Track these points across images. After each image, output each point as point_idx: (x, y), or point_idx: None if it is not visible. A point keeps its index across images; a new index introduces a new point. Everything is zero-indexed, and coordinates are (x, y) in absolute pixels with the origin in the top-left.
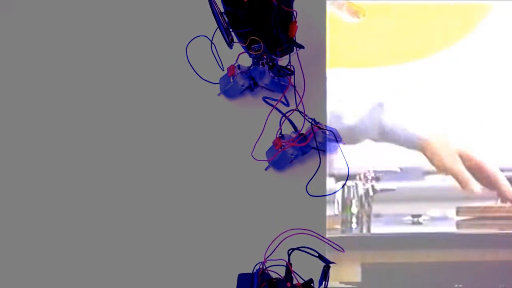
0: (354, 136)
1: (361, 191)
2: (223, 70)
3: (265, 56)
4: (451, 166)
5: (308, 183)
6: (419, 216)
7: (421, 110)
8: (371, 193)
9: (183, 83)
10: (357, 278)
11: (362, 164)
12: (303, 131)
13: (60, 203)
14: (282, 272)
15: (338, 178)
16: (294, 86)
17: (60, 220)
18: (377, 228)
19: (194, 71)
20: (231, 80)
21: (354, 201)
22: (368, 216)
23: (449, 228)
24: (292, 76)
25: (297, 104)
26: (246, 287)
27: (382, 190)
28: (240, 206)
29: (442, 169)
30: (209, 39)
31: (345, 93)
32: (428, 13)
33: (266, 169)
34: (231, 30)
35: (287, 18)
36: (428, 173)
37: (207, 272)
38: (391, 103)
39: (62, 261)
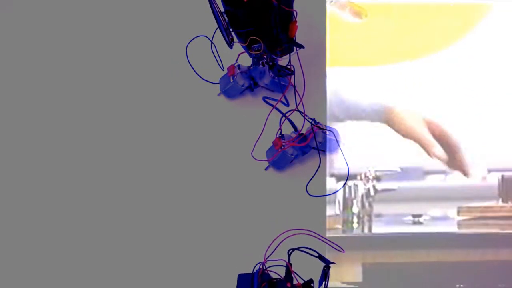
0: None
1: (362, 191)
2: (223, 70)
3: (265, 56)
4: (416, 131)
5: (308, 183)
6: (420, 216)
7: (420, 108)
8: (372, 193)
9: (183, 83)
10: (358, 278)
11: (363, 164)
12: (303, 131)
13: (60, 202)
14: (282, 272)
15: (339, 178)
16: (294, 86)
17: (60, 220)
18: (378, 228)
19: (194, 71)
20: (231, 80)
21: (355, 201)
22: (369, 216)
23: (450, 228)
24: (292, 76)
25: (297, 104)
26: (246, 287)
27: (383, 190)
28: (240, 206)
29: (407, 135)
30: (209, 39)
31: (345, 91)
32: (428, 12)
33: (266, 169)
34: (231, 30)
35: (287, 18)
36: (429, 173)
37: (207, 272)
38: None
39: (62, 261)
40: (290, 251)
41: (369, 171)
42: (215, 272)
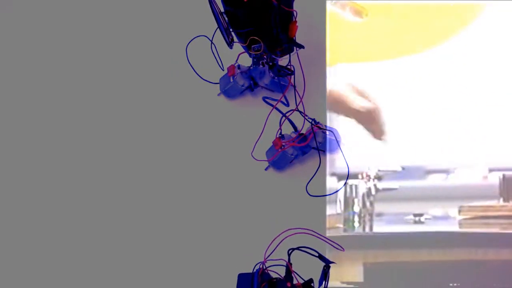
0: None
1: (363, 190)
2: (223, 70)
3: (265, 56)
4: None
5: (308, 183)
6: (421, 215)
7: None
8: (373, 192)
9: (183, 83)
10: (359, 277)
11: (364, 163)
12: (303, 131)
13: (60, 202)
14: (282, 272)
15: (340, 177)
16: (294, 86)
17: (60, 220)
18: (379, 227)
19: (194, 71)
20: (231, 80)
21: (356, 200)
22: (370, 215)
23: (451, 227)
24: (292, 76)
25: (297, 104)
26: (246, 287)
27: (384, 189)
28: (240, 206)
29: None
30: (209, 39)
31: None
32: (425, 12)
33: (266, 169)
34: (231, 30)
35: (287, 18)
36: (430, 172)
37: (207, 272)
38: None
39: (62, 261)
40: (290, 251)
41: (371, 170)
42: (215, 272)
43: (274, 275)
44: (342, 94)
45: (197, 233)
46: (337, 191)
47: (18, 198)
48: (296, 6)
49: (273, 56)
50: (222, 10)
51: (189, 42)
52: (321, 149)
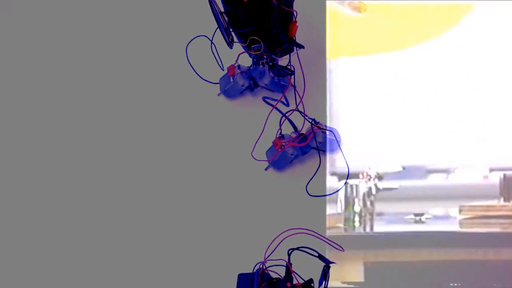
0: None
1: (364, 190)
2: (223, 70)
3: (265, 56)
4: None
5: (308, 183)
6: (422, 214)
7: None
8: (374, 191)
9: (183, 83)
10: (360, 277)
11: (365, 163)
12: (303, 131)
13: (60, 202)
14: (282, 272)
15: (340, 176)
16: (294, 86)
17: (60, 220)
18: (379, 227)
19: (194, 71)
20: (231, 80)
21: (356, 200)
22: (371, 215)
23: (452, 226)
24: (292, 76)
25: (297, 104)
26: (246, 287)
27: (385, 189)
28: (240, 206)
29: None
30: (209, 39)
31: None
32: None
33: (266, 169)
34: (231, 30)
35: (287, 18)
36: (431, 171)
37: (207, 272)
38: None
39: (62, 261)
40: (290, 251)
41: (371, 169)
42: (215, 272)
43: (274, 275)
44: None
45: (197, 233)
46: (337, 191)
47: (18, 198)
48: (296, 6)
49: (273, 56)
50: (222, 10)
51: (189, 42)
52: (321, 149)
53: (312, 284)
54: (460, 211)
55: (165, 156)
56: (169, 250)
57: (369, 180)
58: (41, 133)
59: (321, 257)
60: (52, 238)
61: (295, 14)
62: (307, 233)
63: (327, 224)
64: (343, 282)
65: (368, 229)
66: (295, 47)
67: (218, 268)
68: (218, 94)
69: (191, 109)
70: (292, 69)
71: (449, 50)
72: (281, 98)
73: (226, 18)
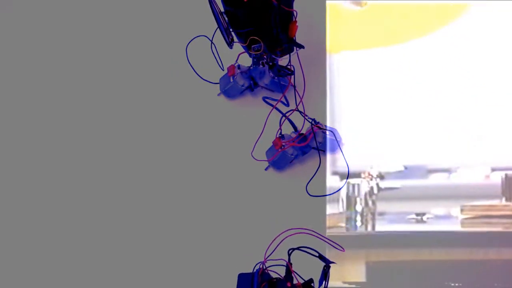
0: None
1: (365, 189)
2: (223, 70)
3: (265, 56)
4: None
5: (308, 183)
6: (423, 214)
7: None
8: (375, 191)
9: (183, 83)
10: (361, 276)
11: (366, 162)
12: (303, 131)
13: (60, 203)
14: (282, 272)
15: (342, 176)
16: (294, 86)
17: (60, 220)
18: (381, 226)
19: (194, 71)
20: (231, 80)
21: (358, 199)
22: (373, 214)
23: (453, 226)
24: (292, 76)
25: (297, 104)
26: (246, 287)
27: (387, 188)
28: (240, 206)
29: None
30: (209, 39)
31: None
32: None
33: (266, 169)
34: (231, 30)
35: (287, 18)
36: (432, 171)
37: (207, 272)
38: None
39: (62, 261)
40: (290, 251)
41: (373, 169)
42: (215, 272)
43: (274, 275)
44: None
45: (197, 233)
46: (337, 191)
47: (18, 199)
48: (296, 6)
49: (273, 56)
50: (222, 10)
51: (189, 42)
52: (321, 149)
53: (312, 284)
54: (461, 210)
55: (165, 156)
56: (169, 250)
57: (371, 179)
58: (41, 133)
59: (321, 257)
60: (52, 238)
61: (295, 14)
62: (307, 233)
63: (329, 224)
64: (345, 282)
65: (369, 228)
66: (295, 47)
67: (218, 268)
68: (218, 94)
69: (191, 109)
70: (292, 69)
71: (451, 46)
72: (281, 98)
73: (226, 18)
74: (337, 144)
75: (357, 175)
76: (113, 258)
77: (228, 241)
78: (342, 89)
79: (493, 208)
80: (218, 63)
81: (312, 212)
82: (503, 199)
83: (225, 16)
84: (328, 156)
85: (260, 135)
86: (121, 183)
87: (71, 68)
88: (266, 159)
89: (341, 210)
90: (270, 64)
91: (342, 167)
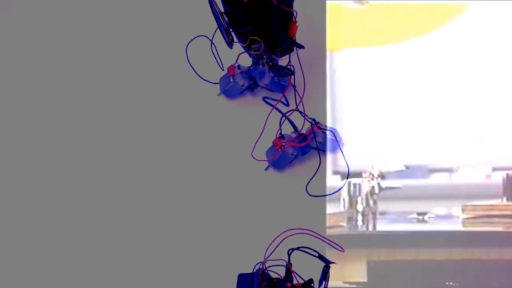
0: None
1: (366, 189)
2: (223, 70)
3: (265, 56)
4: None
5: (308, 183)
6: (425, 214)
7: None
8: (376, 190)
9: (183, 83)
10: (363, 276)
11: (367, 162)
12: (303, 131)
13: (60, 203)
14: (282, 272)
15: (343, 175)
16: (294, 86)
17: (60, 221)
18: (382, 226)
19: (194, 71)
20: (231, 80)
21: (359, 199)
22: (374, 214)
23: (455, 226)
24: (292, 76)
25: (297, 104)
26: (246, 287)
27: (388, 188)
28: (240, 206)
29: None
30: (209, 39)
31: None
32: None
33: (266, 169)
34: (231, 30)
35: (287, 18)
36: (433, 171)
37: (207, 272)
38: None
39: (62, 261)
40: (290, 251)
41: (374, 169)
42: (215, 272)
43: (274, 275)
44: None
45: (197, 233)
46: (337, 191)
47: (19, 199)
48: (296, 6)
49: (273, 56)
50: (222, 10)
51: (189, 42)
52: (321, 149)
53: (312, 284)
54: (463, 210)
55: (165, 156)
56: (169, 250)
57: (372, 179)
58: (41, 133)
59: (321, 257)
60: (52, 238)
61: (295, 14)
62: (307, 233)
63: (330, 223)
64: (346, 282)
65: (370, 228)
66: (295, 47)
67: (218, 268)
68: (218, 94)
69: (191, 109)
70: (292, 69)
71: (451, 46)
72: (281, 98)
73: (226, 18)
74: (337, 144)
75: (358, 174)
76: (113, 258)
77: (228, 241)
78: (343, 89)
79: (494, 207)
80: (218, 63)
81: (312, 212)
82: (504, 198)
83: (225, 16)
84: (329, 155)
85: (260, 135)
86: (121, 183)
87: (71, 68)
88: (266, 159)
89: (342, 209)
90: (270, 64)
91: (343, 166)
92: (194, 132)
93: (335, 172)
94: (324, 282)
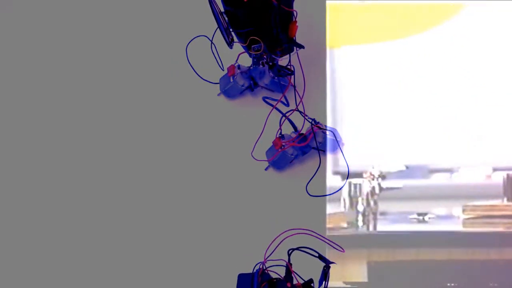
0: None
1: (367, 189)
2: (223, 70)
3: (265, 56)
4: None
5: (308, 183)
6: (425, 214)
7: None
8: (377, 191)
9: (183, 83)
10: (363, 276)
11: (368, 162)
12: (303, 131)
13: (60, 204)
14: (282, 272)
15: (344, 176)
16: (294, 86)
17: (61, 221)
18: (383, 226)
19: (194, 71)
20: (231, 80)
21: (360, 199)
22: (374, 214)
23: (455, 226)
24: (292, 76)
25: (297, 104)
26: (246, 287)
27: (388, 188)
28: (240, 206)
29: None
30: (209, 39)
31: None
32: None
33: (266, 169)
34: (231, 30)
35: (287, 18)
36: (434, 171)
37: (207, 272)
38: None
39: (62, 261)
40: (290, 251)
41: (375, 169)
42: (215, 272)
43: (274, 275)
44: None
45: (197, 233)
46: (337, 191)
47: (19, 200)
48: (296, 6)
49: (273, 56)
50: (222, 10)
51: (189, 42)
52: (321, 149)
53: (312, 284)
54: (463, 210)
55: (165, 156)
56: (169, 250)
57: (373, 179)
58: (40, 133)
59: (321, 257)
60: (52, 239)
61: (295, 14)
62: (307, 233)
63: (331, 224)
64: (346, 282)
65: (371, 228)
66: (295, 47)
67: (218, 268)
68: (218, 94)
69: (191, 109)
70: (292, 69)
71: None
72: (281, 98)
73: (226, 18)
74: (337, 144)
75: (359, 175)
76: (113, 258)
77: (228, 241)
78: (343, 89)
79: (494, 208)
80: (218, 63)
81: (312, 212)
82: (505, 199)
83: (225, 16)
84: (330, 156)
85: (260, 135)
86: (120, 183)
87: (71, 68)
88: (266, 159)
89: (343, 210)
90: (270, 64)
91: (343, 167)
92: (194, 132)
93: (336, 173)
94: (324, 282)
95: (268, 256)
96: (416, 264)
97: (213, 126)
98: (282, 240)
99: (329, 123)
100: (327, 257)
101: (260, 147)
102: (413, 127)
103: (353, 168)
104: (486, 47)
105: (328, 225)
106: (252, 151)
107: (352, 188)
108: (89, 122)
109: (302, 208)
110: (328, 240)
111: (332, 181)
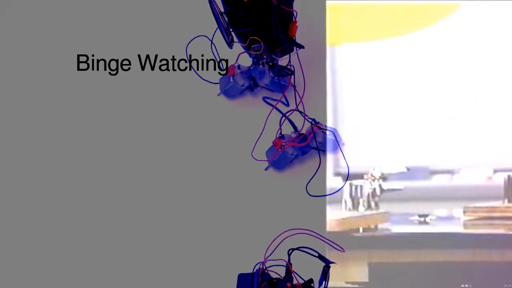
0: None
1: (368, 190)
2: (223, 70)
3: (265, 56)
4: None
5: (308, 183)
6: (426, 215)
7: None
8: (378, 192)
9: (183, 83)
10: (364, 277)
11: (369, 163)
12: (303, 131)
13: (60, 204)
14: (282, 272)
15: (345, 177)
16: (294, 86)
17: (61, 222)
18: (384, 228)
19: (194, 71)
20: (231, 80)
21: (361, 200)
22: (375, 215)
23: (456, 228)
24: (292, 76)
25: (297, 104)
26: (246, 287)
27: (389, 190)
28: (240, 206)
29: None
30: (209, 39)
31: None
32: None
33: (266, 169)
34: (231, 30)
35: (287, 18)
36: (435, 172)
37: (207, 272)
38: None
39: (62, 261)
40: (290, 251)
41: (376, 170)
42: (215, 272)
43: (274, 275)
44: None
45: (197, 233)
46: (337, 191)
47: (20, 200)
48: (296, 6)
49: (273, 56)
50: (222, 10)
51: (189, 42)
52: (321, 149)
53: (312, 284)
54: (464, 212)
55: (165, 156)
56: (169, 250)
57: (374, 180)
58: (40, 133)
59: (321, 257)
60: (52, 239)
61: (295, 14)
62: (307, 233)
63: (331, 224)
64: (347, 282)
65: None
66: (295, 47)
67: (218, 268)
68: (218, 94)
69: (191, 109)
70: (292, 69)
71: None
72: (281, 98)
73: (226, 18)
74: (337, 144)
75: (360, 176)
76: (113, 258)
77: (228, 241)
78: (343, 89)
79: (495, 209)
80: (218, 63)
81: (312, 212)
82: (506, 200)
83: (225, 16)
84: (331, 157)
85: (260, 135)
86: (120, 183)
87: (71, 68)
88: (266, 159)
89: (344, 210)
90: (270, 64)
91: (344, 168)
92: (194, 132)
93: (337, 174)
94: (324, 282)
95: (268, 256)
96: (417, 265)
97: (213, 126)
98: (282, 240)
99: (329, 123)
100: (327, 257)
101: (260, 147)
102: (414, 128)
103: (354, 170)
104: (487, 46)
105: (328, 227)
106: (252, 151)
107: (354, 190)
108: (89, 122)
109: (302, 208)
110: (328, 240)
111: (333, 182)
